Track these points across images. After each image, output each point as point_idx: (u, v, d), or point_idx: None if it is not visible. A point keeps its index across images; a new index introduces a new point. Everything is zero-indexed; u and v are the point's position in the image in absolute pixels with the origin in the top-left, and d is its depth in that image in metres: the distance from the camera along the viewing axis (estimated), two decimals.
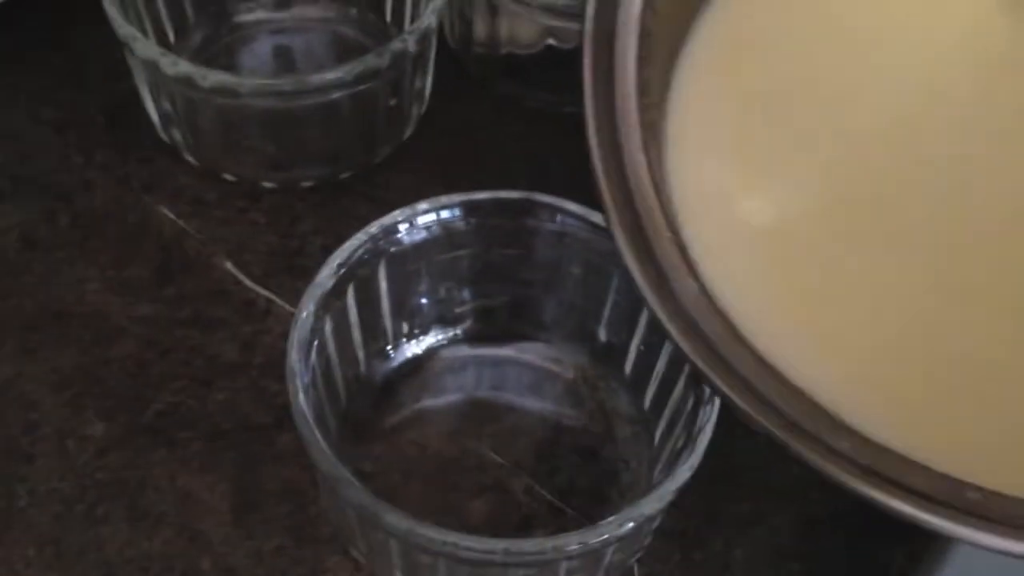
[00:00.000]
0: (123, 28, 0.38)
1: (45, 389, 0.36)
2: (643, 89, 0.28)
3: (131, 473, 0.34)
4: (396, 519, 0.28)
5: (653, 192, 0.27)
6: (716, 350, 0.26)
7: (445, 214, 0.34)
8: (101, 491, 0.34)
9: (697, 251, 0.27)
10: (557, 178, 0.41)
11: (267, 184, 0.41)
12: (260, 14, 0.45)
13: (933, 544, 0.33)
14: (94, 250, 0.39)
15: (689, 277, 0.26)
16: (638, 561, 0.33)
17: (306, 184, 0.41)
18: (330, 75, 0.37)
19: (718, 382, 0.26)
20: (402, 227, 0.33)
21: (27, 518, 0.33)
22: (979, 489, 0.24)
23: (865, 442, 0.25)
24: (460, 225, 0.34)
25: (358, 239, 0.33)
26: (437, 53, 0.42)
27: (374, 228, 0.33)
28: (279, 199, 0.41)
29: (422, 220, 0.33)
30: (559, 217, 0.34)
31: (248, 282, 0.39)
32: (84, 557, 0.33)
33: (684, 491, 0.31)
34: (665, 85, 0.29)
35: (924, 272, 0.28)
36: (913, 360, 0.27)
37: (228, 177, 0.41)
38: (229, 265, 0.39)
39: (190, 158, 0.41)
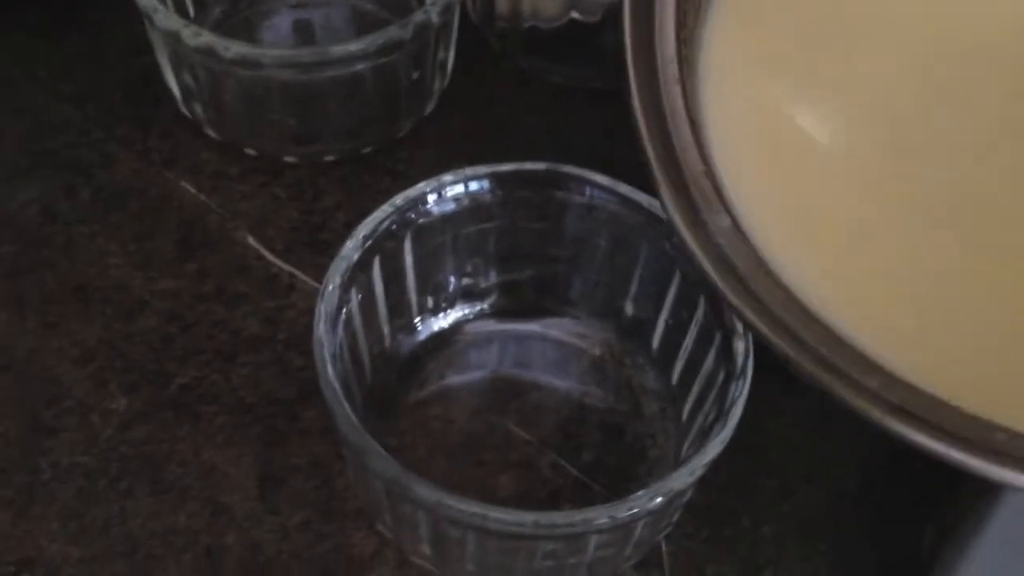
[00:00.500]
0: (144, 0, 0.37)
1: (67, 363, 0.36)
2: (680, 21, 0.27)
3: (155, 447, 0.34)
4: (425, 490, 0.27)
5: (688, 125, 0.27)
6: (747, 284, 0.25)
7: (472, 186, 0.33)
8: (124, 465, 0.34)
9: (730, 183, 0.27)
10: (581, 153, 0.40)
11: (289, 159, 0.40)
12: None
13: (963, 521, 0.33)
14: (115, 224, 0.39)
15: (722, 211, 0.26)
16: (666, 537, 0.33)
17: (328, 159, 0.40)
18: (353, 47, 0.37)
19: (749, 315, 0.25)
20: (429, 198, 0.33)
21: (50, 492, 0.33)
22: (1007, 430, 0.24)
23: (895, 380, 0.24)
24: (487, 197, 0.33)
25: (384, 211, 0.32)
26: (459, 27, 0.42)
27: (399, 200, 0.33)
28: (301, 174, 0.40)
29: (449, 192, 0.33)
30: (587, 189, 0.33)
31: (271, 257, 0.38)
32: (107, 531, 0.33)
33: (714, 466, 0.31)
34: (698, 18, 0.29)
35: (954, 217, 0.28)
36: (940, 305, 0.27)
37: (250, 151, 0.40)
38: (251, 240, 0.39)
39: (211, 132, 0.40)
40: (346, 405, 0.29)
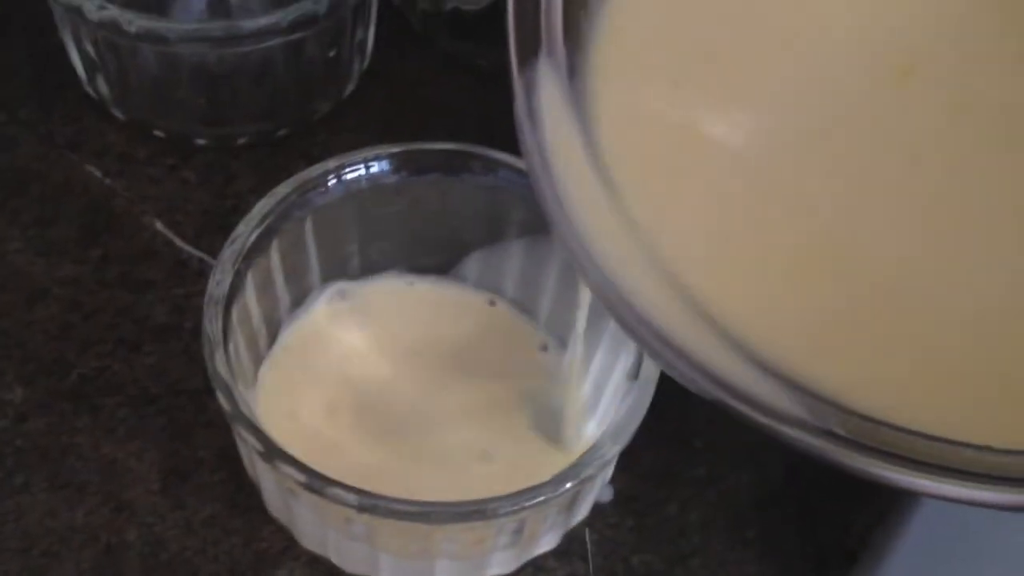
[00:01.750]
0: None
1: None
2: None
3: (52, 440, 0.32)
4: (315, 481, 0.26)
5: None
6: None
7: (374, 167, 0.32)
8: (20, 458, 0.32)
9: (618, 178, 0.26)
10: (504, 137, 0.39)
11: (200, 141, 0.39)
12: None
13: (893, 508, 0.32)
14: (16, 209, 0.37)
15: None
16: (589, 526, 0.32)
17: (241, 141, 0.39)
18: (264, 21, 0.35)
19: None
20: (330, 181, 0.31)
21: None
22: (893, 426, 0.23)
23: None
24: (391, 179, 0.32)
25: (277, 193, 0.31)
26: (381, 8, 0.40)
27: (294, 182, 0.31)
28: (213, 156, 0.39)
29: (349, 173, 0.31)
30: (496, 170, 0.32)
31: (179, 242, 0.37)
32: (2, 528, 0.31)
33: (638, 454, 0.30)
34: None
35: (839, 205, 0.27)
36: (825, 291, 0.26)
37: (158, 133, 0.39)
38: (159, 225, 0.37)
39: (118, 113, 0.39)
40: (236, 395, 0.27)
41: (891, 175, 0.27)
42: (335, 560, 0.30)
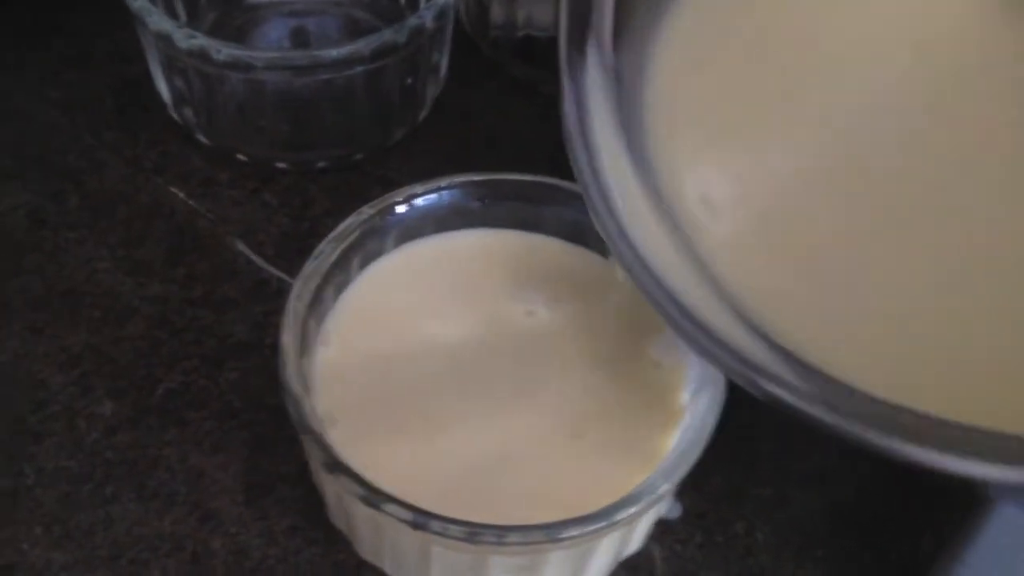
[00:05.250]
0: (138, 2, 0.37)
1: (53, 368, 0.35)
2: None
3: (141, 452, 0.34)
4: (380, 500, 0.27)
5: None
6: None
7: (455, 193, 0.33)
8: (110, 470, 0.33)
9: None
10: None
11: (280, 165, 0.40)
12: None
13: (959, 530, 0.33)
14: (104, 230, 0.39)
15: None
16: (658, 542, 0.33)
17: (320, 165, 0.40)
18: (346, 50, 0.37)
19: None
20: (413, 202, 0.32)
21: (34, 497, 0.33)
22: (914, 412, 0.24)
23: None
24: (472, 205, 0.33)
25: (362, 212, 0.32)
26: (453, 35, 0.42)
27: (376, 204, 0.32)
28: (292, 180, 0.40)
29: (420, 201, 0.33)
30: (570, 202, 0.33)
31: (260, 262, 0.38)
32: (92, 537, 0.32)
33: (705, 474, 0.30)
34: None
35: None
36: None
37: (241, 157, 0.40)
38: (241, 246, 0.38)
39: (202, 138, 0.40)
40: (305, 410, 0.28)
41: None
42: (389, 571, 0.31)
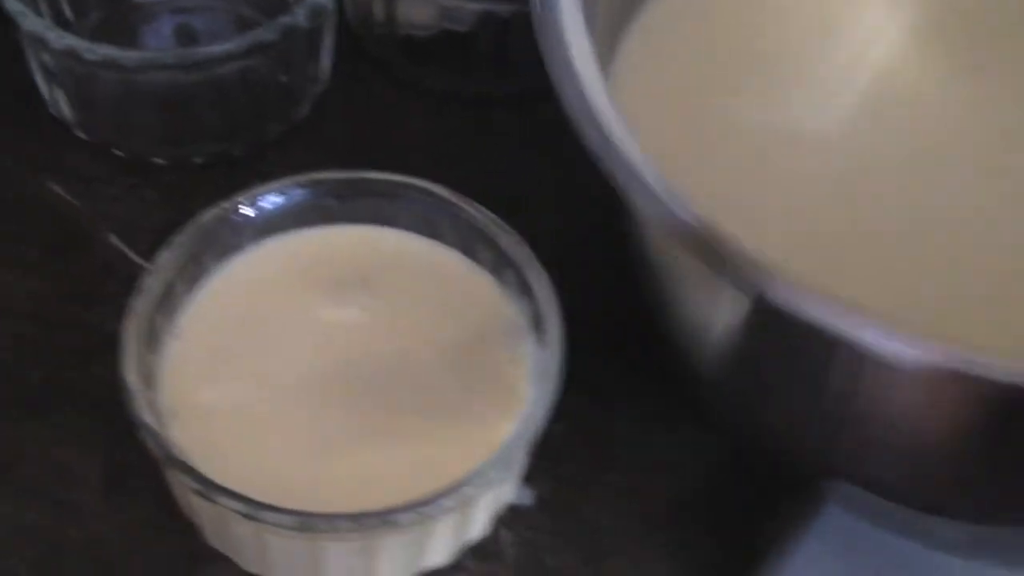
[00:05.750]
0: (11, 4, 0.38)
1: None
2: None
3: (5, 446, 0.34)
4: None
5: None
6: None
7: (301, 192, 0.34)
8: None
9: None
10: (453, 160, 0.41)
11: (159, 160, 0.41)
12: None
13: (799, 519, 0.34)
14: None
15: None
16: (510, 528, 0.34)
17: (197, 161, 0.41)
18: (217, 48, 0.37)
19: None
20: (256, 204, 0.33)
21: None
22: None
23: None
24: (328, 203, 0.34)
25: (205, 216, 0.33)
26: (341, 32, 0.42)
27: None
28: (171, 176, 0.41)
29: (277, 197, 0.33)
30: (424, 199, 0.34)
31: (135, 257, 0.39)
32: None
33: (558, 460, 0.32)
34: None
35: None
36: None
37: (119, 153, 0.41)
38: (118, 241, 0.39)
39: (81, 134, 0.41)
40: (139, 404, 0.29)
41: None
42: (236, 559, 0.31)
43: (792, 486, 0.34)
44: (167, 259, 0.32)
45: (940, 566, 0.31)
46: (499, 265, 0.33)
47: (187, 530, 0.33)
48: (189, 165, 0.41)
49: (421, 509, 0.28)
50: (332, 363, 0.32)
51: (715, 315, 0.27)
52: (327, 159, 0.41)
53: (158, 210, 0.40)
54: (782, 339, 0.26)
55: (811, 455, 0.30)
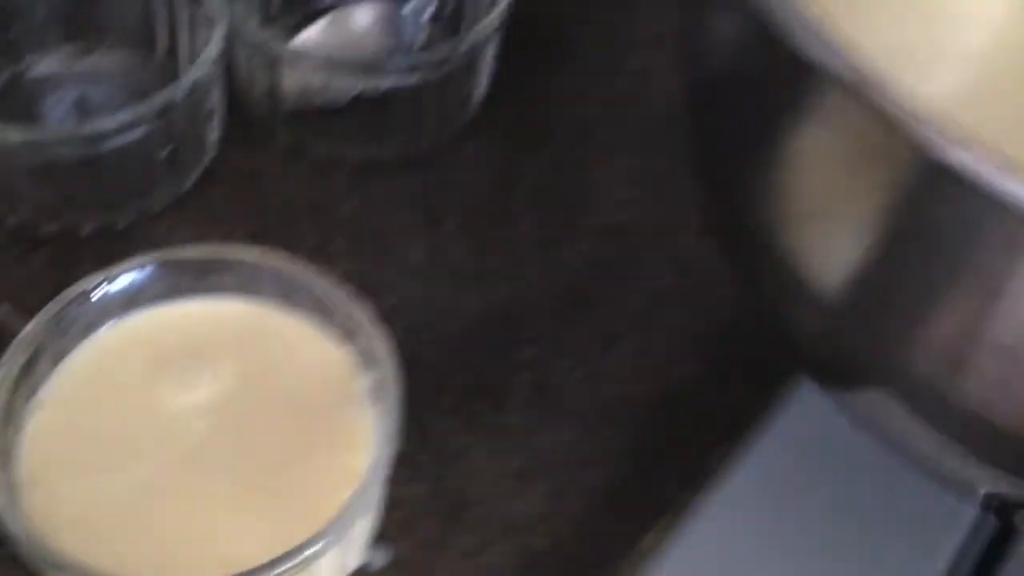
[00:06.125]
0: None
1: None
2: None
3: None
4: None
5: None
6: None
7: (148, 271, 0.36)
8: None
9: None
10: (333, 225, 0.44)
11: (48, 229, 0.43)
12: (57, 65, 0.47)
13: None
14: None
15: None
16: None
17: (86, 232, 0.43)
18: (98, 125, 0.39)
19: None
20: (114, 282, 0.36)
21: None
22: None
23: None
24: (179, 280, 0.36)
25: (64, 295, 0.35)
26: (232, 99, 0.45)
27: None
28: (58, 245, 0.43)
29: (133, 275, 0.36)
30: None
31: (21, 326, 0.40)
32: None
33: (415, 524, 0.35)
34: None
35: None
36: None
37: (10, 222, 0.43)
38: (5, 307, 0.41)
39: None
40: None
41: None
42: None
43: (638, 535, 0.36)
44: (29, 334, 0.34)
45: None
46: (348, 334, 0.35)
47: None
48: (76, 235, 0.43)
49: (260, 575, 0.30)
50: (179, 446, 0.34)
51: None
52: (211, 229, 0.44)
53: (43, 279, 0.42)
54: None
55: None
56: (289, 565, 0.31)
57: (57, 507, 0.32)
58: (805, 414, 0.39)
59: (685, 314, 0.43)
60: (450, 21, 0.49)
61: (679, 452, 0.39)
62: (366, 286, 0.36)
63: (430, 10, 0.49)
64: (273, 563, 0.30)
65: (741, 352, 0.42)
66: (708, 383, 0.41)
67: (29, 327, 0.34)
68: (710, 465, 0.39)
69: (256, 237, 0.40)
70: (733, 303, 0.43)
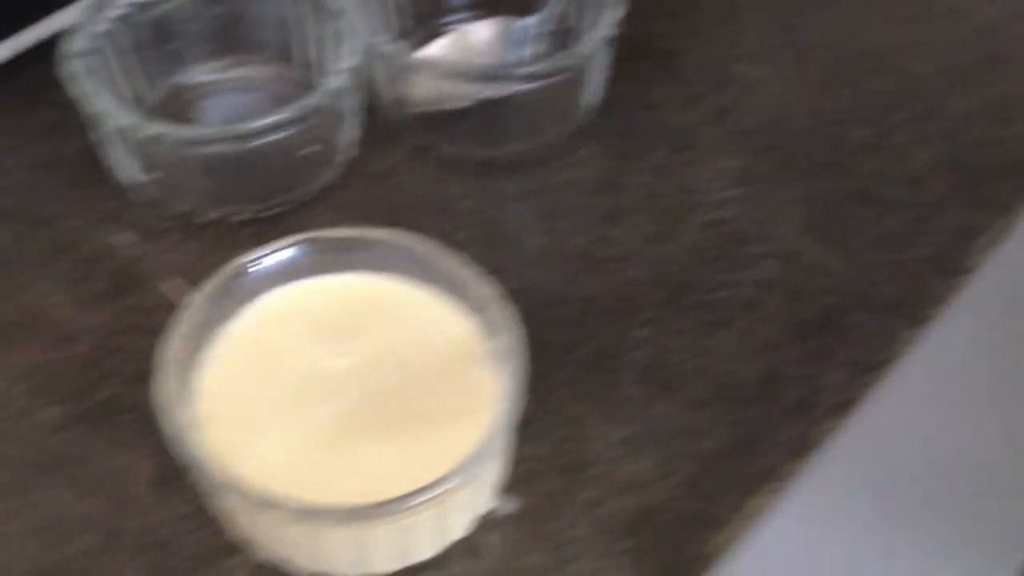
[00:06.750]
0: (73, 88, 0.45)
1: (10, 380, 0.43)
2: None
3: (75, 448, 0.41)
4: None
5: None
6: None
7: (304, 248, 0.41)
8: (49, 462, 0.41)
9: None
10: (456, 216, 0.48)
11: (207, 217, 0.48)
12: (211, 75, 0.52)
13: (741, 531, 0.40)
14: (60, 269, 0.47)
15: None
16: (496, 530, 0.40)
17: (242, 218, 0.48)
18: (253, 124, 0.44)
19: None
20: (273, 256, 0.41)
21: None
22: None
23: None
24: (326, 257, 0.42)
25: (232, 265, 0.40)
26: (369, 107, 0.49)
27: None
28: (218, 229, 0.48)
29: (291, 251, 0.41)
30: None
31: (185, 298, 0.45)
32: (31, 513, 0.40)
33: (535, 479, 0.38)
34: None
35: None
36: None
37: (173, 211, 0.48)
38: (168, 283, 0.46)
39: (143, 194, 0.48)
40: (169, 418, 0.36)
41: None
42: (260, 547, 0.38)
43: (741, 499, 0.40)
44: (198, 300, 0.39)
45: None
46: (477, 307, 0.40)
47: (218, 523, 0.40)
48: (233, 221, 0.48)
49: (401, 503, 0.35)
50: (331, 400, 0.39)
51: None
52: (349, 217, 0.49)
53: (205, 258, 0.47)
54: None
55: None
56: (428, 497, 0.35)
57: (224, 446, 0.37)
58: (904, 399, 0.42)
59: (788, 302, 0.46)
60: (564, 34, 0.54)
61: (785, 425, 0.43)
62: (488, 271, 0.41)
63: (546, 24, 0.54)
64: (414, 494, 0.35)
65: (841, 337, 0.45)
66: (811, 365, 0.45)
67: (199, 294, 0.39)
68: (814, 438, 0.42)
69: (390, 226, 0.45)
70: (833, 292, 0.47)
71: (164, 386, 0.36)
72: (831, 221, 0.49)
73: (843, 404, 0.43)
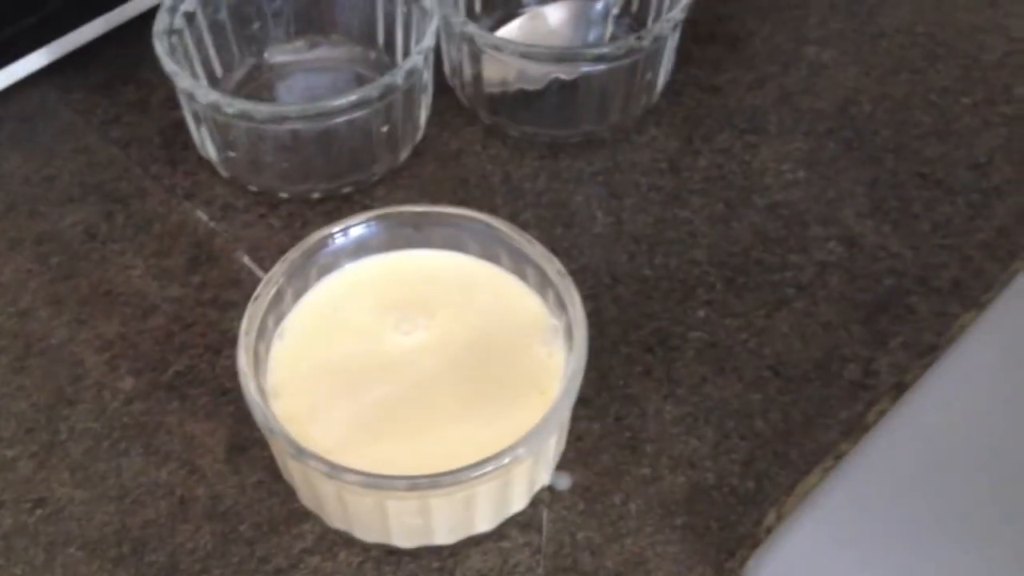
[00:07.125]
0: (167, 65, 0.47)
1: (90, 350, 0.45)
2: None
3: (149, 419, 0.43)
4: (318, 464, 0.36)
5: None
6: None
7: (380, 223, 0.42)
8: (125, 431, 0.43)
9: None
10: (525, 196, 0.49)
11: (283, 194, 0.49)
12: (290, 56, 0.53)
13: (794, 510, 0.40)
14: (141, 243, 0.48)
15: None
16: (548, 507, 0.41)
17: (315, 196, 0.49)
18: (329, 103, 0.46)
19: None
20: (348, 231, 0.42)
21: (65, 449, 0.42)
22: None
23: None
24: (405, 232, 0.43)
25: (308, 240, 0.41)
26: (439, 85, 0.50)
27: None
28: (293, 207, 0.49)
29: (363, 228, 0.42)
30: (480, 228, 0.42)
31: (260, 273, 0.47)
32: (105, 480, 0.42)
33: (595, 454, 0.39)
34: None
35: None
36: None
37: (252, 188, 0.50)
38: (246, 259, 0.48)
39: (223, 172, 0.50)
40: (250, 385, 0.37)
41: None
42: (322, 516, 0.39)
43: (794, 481, 0.40)
44: (277, 272, 0.40)
45: None
46: (543, 284, 0.41)
47: (288, 491, 0.41)
48: (308, 199, 0.49)
49: (465, 474, 0.36)
50: (401, 368, 0.40)
51: None
52: (420, 195, 0.50)
53: (280, 235, 0.49)
54: None
55: None
56: (490, 469, 0.36)
57: (295, 416, 0.38)
58: (960, 381, 0.42)
59: (848, 284, 0.47)
60: (635, 17, 0.54)
61: (841, 406, 0.43)
62: (554, 250, 0.41)
63: (617, 7, 0.54)
64: (477, 465, 0.36)
65: (899, 320, 0.45)
66: (868, 347, 0.45)
67: (276, 267, 0.40)
68: (869, 419, 0.43)
69: (459, 205, 0.46)
70: (893, 274, 0.47)
71: (244, 355, 0.38)
72: (893, 205, 0.49)
73: (899, 386, 0.43)
